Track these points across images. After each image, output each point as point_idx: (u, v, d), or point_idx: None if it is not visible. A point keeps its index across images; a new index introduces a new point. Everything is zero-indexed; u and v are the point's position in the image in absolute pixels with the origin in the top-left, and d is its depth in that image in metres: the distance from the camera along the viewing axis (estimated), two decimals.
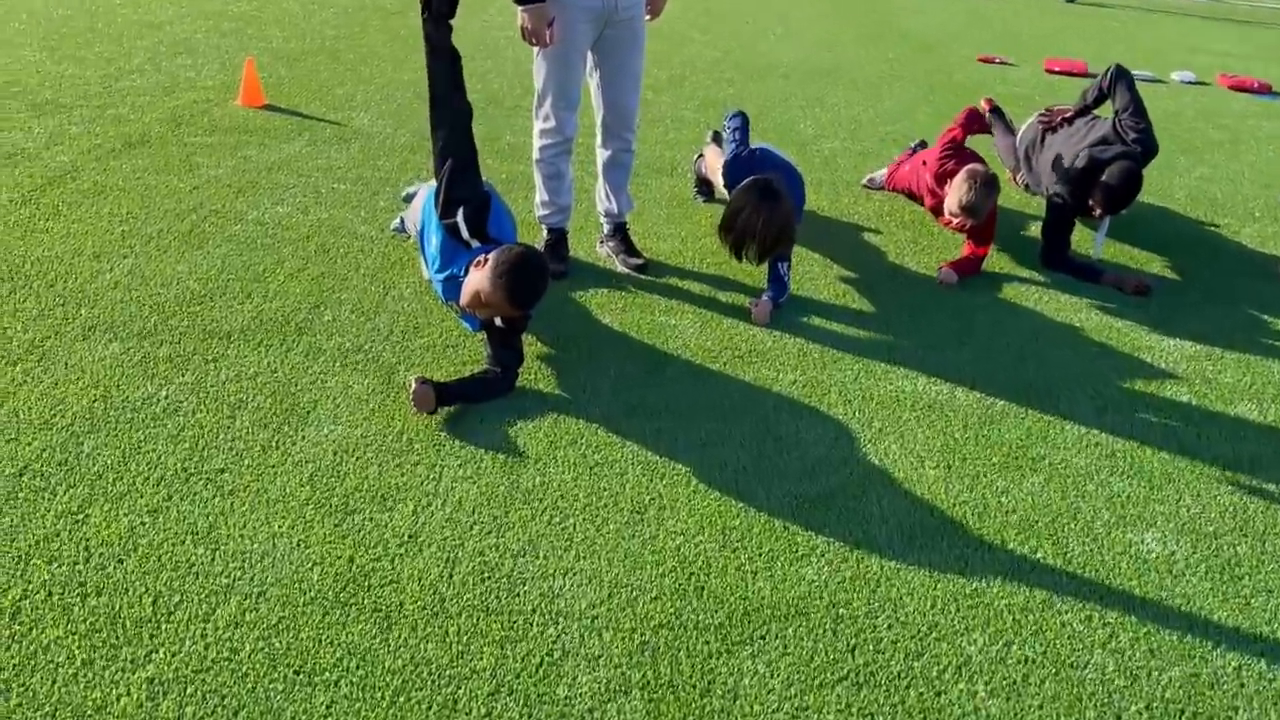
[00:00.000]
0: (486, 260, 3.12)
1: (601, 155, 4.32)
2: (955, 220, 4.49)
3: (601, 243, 4.51)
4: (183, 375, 3.30)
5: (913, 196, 5.04)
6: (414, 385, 3.14)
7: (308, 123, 5.87)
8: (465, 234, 3.23)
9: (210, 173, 5.02)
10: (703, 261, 4.49)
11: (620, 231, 4.46)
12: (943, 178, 4.63)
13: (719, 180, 4.76)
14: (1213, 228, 5.40)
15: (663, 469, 3.02)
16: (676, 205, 5.11)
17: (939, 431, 3.34)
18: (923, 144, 5.52)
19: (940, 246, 4.82)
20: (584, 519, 2.79)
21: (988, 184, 4.37)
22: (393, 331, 3.67)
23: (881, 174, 5.57)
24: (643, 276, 4.31)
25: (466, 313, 3.35)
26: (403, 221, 4.39)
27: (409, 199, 4.36)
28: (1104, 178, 4.50)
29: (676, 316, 3.98)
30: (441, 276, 3.35)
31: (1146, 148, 4.70)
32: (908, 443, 3.26)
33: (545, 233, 4.35)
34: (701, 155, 5.18)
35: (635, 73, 4.04)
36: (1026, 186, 5.28)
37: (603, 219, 4.48)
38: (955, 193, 4.39)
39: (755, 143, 4.57)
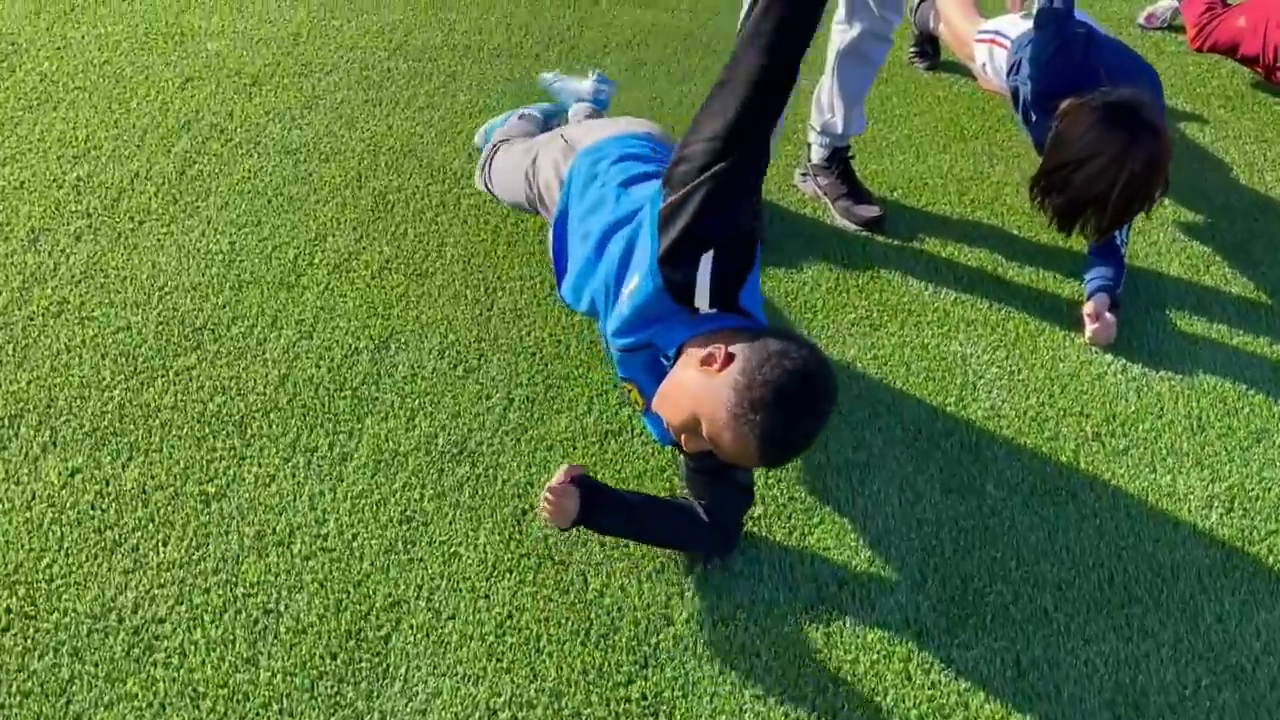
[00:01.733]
0: (727, 359, 1.55)
1: (840, 37, 2.63)
2: None
3: (806, 177, 2.87)
4: None
5: (1268, 69, 3.24)
6: (559, 478, 1.70)
7: None
8: (703, 301, 1.63)
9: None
10: (964, 197, 2.84)
11: (841, 162, 2.80)
12: None
13: (981, 61, 3.00)
14: None
15: None
16: (890, 84, 3.37)
17: None
18: None
19: None
20: None
21: None
22: (511, 404, 2.16)
23: (1168, 7, 3.73)
24: (879, 238, 2.69)
25: (651, 412, 1.79)
26: (491, 162, 2.76)
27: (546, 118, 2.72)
28: None
29: (962, 333, 2.40)
30: (622, 343, 1.77)
31: None
32: None
33: (820, 158, 2.85)
34: None
35: None
36: None
37: (816, 139, 2.82)
38: None
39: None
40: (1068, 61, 2.45)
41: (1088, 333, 2.39)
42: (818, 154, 2.82)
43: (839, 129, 2.74)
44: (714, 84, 1.58)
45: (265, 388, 2.17)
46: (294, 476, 1.99)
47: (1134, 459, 2.11)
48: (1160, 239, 2.73)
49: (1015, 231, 2.74)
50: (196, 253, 2.51)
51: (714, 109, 1.56)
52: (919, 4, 3.45)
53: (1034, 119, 2.54)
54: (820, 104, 2.76)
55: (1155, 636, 1.77)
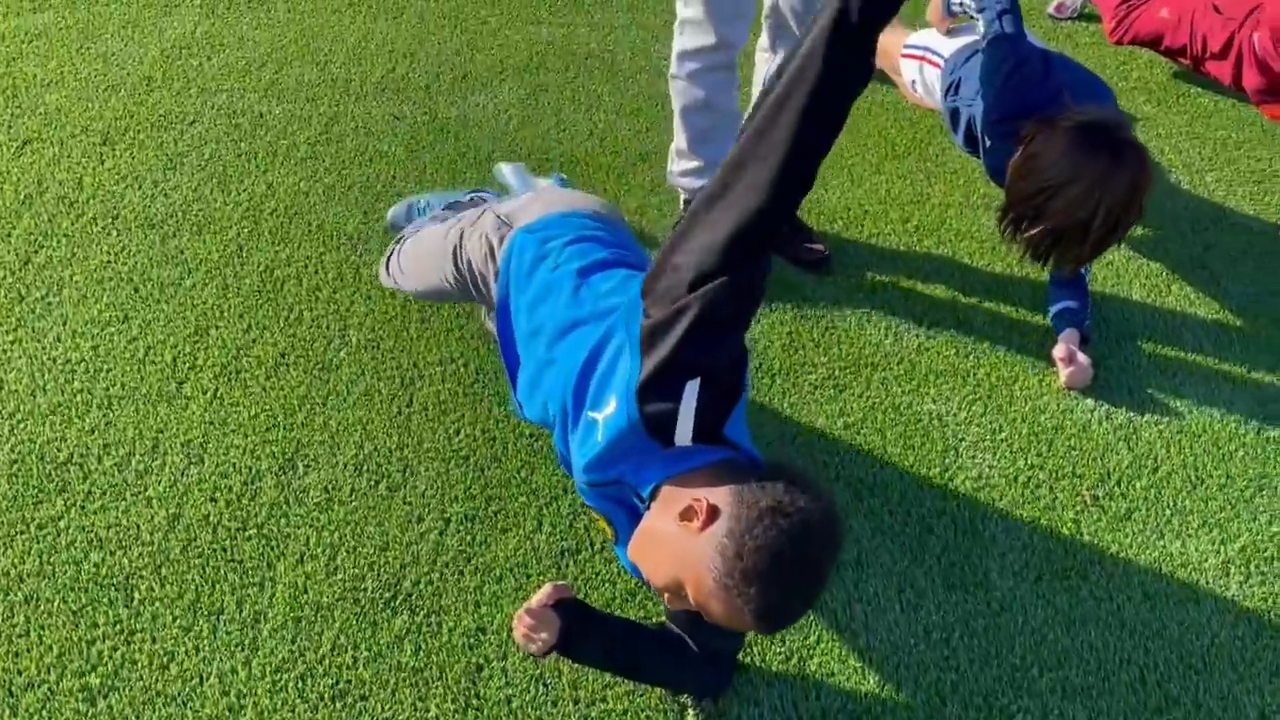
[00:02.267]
0: (710, 514, 1.29)
1: (768, 66, 2.40)
2: None
3: None
4: None
5: (1196, 60, 3.13)
6: (540, 598, 1.47)
7: None
8: (684, 436, 1.35)
9: None
10: (908, 224, 2.65)
11: None
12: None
13: (910, 78, 2.81)
14: None
15: None
16: None
17: None
18: None
19: (1253, 149, 3.00)
20: None
21: None
22: (447, 526, 1.87)
23: None
24: (827, 280, 2.47)
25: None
26: (412, 212, 2.45)
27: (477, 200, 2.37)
28: None
29: (933, 388, 2.20)
30: (589, 479, 1.49)
31: None
32: None
33: (683, 205, 2.48)
34: None
35: None
36: None
37: None
38: None
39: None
40: (1026, 81, 2.26)
41: (1062, 377, 2.21)
42: None
43: None
44: (710, 182, 1.31)
45: (152, 535, 1.83)
46: (198, 651, 1.66)
47: (1138, 524, 1.93)
48: (1115, 259, 2.58)
49: (968, 260, 2.56)
50: (52, 364, 2.13)
51: (709, 215, 1.29)
52: None
53: (988, 144, 2.35)
54: None
55: None
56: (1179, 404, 2.19)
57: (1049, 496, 1.98)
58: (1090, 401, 2.19)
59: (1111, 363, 2.29)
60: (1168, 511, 1.96)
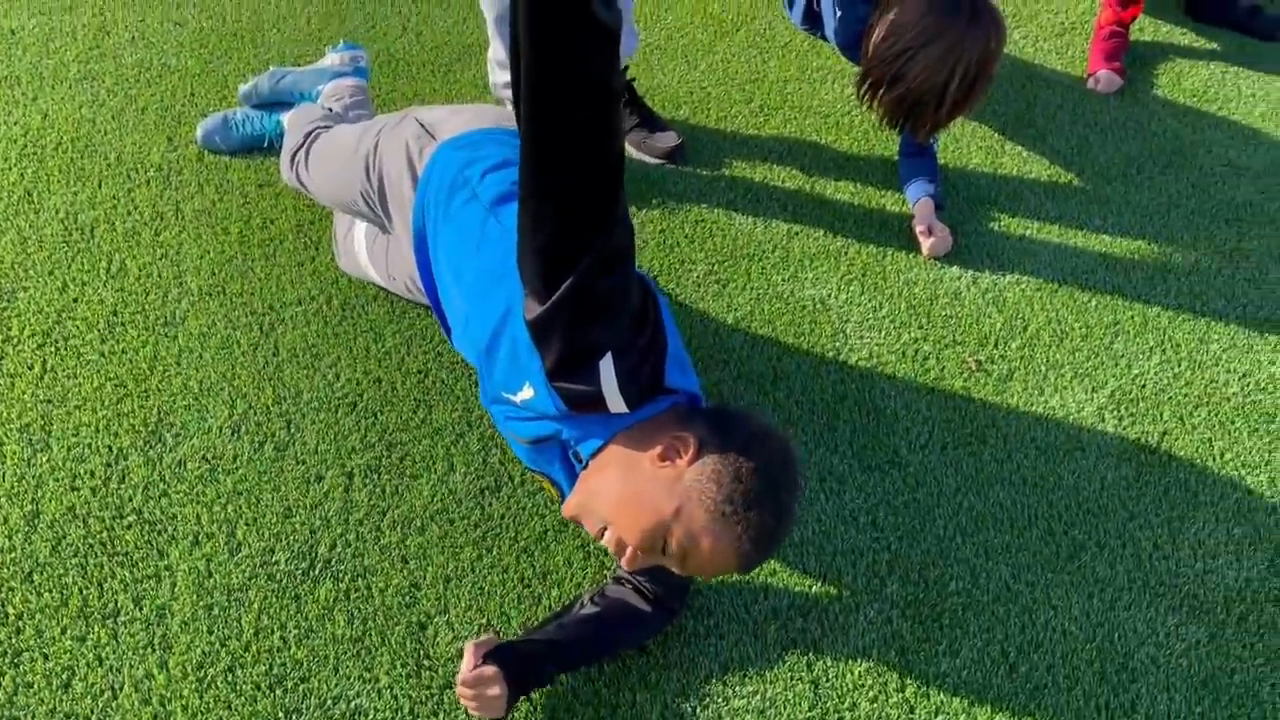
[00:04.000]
0: (698, 448, 1.24)
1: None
2: None
3: None
4: None
5: None
6: (467, 664, 1.39)
7: None
8: (619, 405, 1.27)
9: None
10: (751, 104, 2.61)
11: (633, 91, 2.46)
12: None
13: None
14: None
15: None
16: None
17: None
18: None
19: (1051, 2, 3.12)
20: None
21: None
22: (351, 481, 1.73)
23: None
24: (686, 170, 2.42)
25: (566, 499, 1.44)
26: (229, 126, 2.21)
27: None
28: None
29: (810, 273, 2.21)
30: (527, 435, 1.40)
31: None
32: None
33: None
34: None
35: None
36: None
37: None
38: None
39: None
40: None
41: (924, 248, 2.27)
42: None
43: None
44: (520, 167, 1.16)
45: (11, 539, 1.60)
46: (101, 661, 1.49)
47: (1019, 384, 2.04)
48: (954, 126, 2.64)
49: (816, 138, 2.56)
50: None
51: (539, 208, 1.17)
52: None
53: (839, 13, 2.32)
54: None
55: (1112, 584, 1.72)
56: (1033, 262, 2.30)
57: (937, 367, 2.05)
58: (956, 269, 2.26)
59: (968, 228, 2.37)
60: (1043, 368, 2.07)
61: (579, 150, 1.10)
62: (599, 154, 1.11)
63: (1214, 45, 3.06)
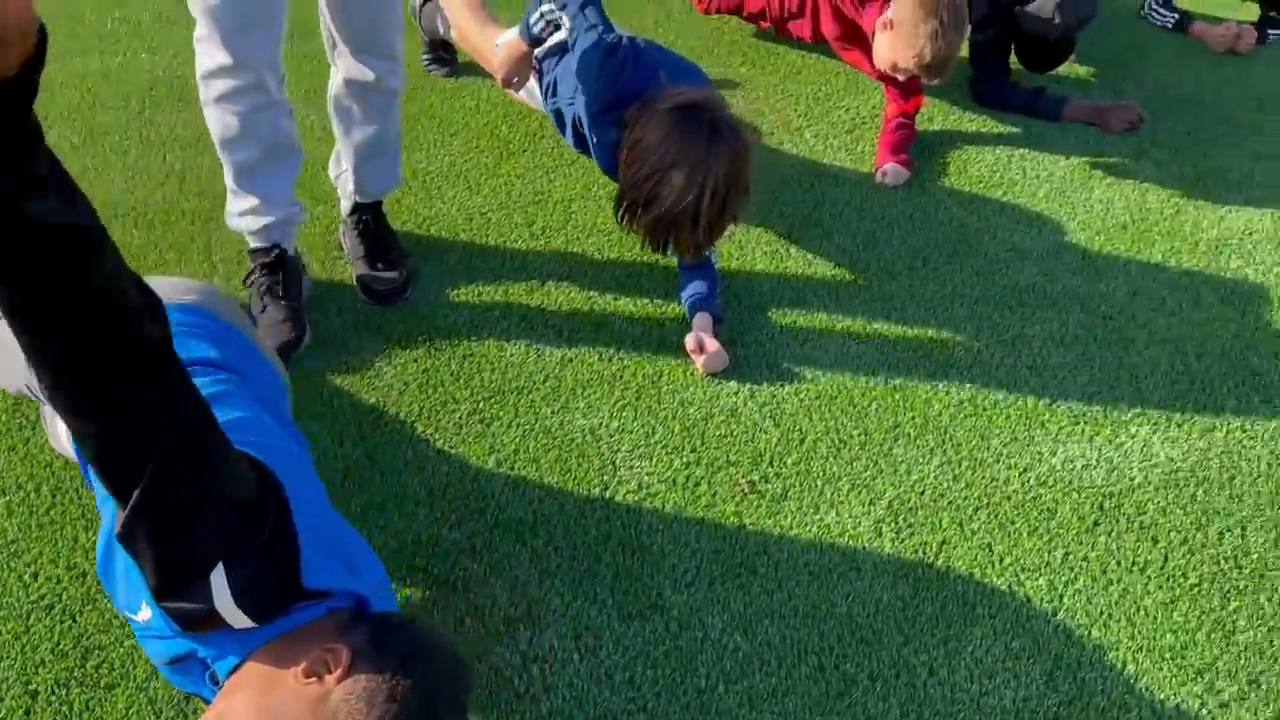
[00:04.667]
0: (339, 663, 1.10)
1: (334, 84, 2.17)
2: (902, 76, 2.82)
3: (344, 234, 2.42)
4: None
5: (777, 23, 3.23)
6: None
7: None
8: (244, 622, 1.12)
9: None
10: (532, 226, 2.54)
11: (366, 220, 2.36)
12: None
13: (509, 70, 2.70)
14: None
15: None
16: (414, 101, 2.96)
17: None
18: None
19: (842, 100, 3.15)
20: None
21: (957, 20, 2.71)
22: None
23: None
24: (455, 298, 2.32)
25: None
26: None
27: None
28: None
29: (582, 401, 2.11)
30: (159, 662, 1.24)
31: None
32: None
33: (254, 256, 2.20)
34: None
35: None
36: None
37: (341, 199, 2.39)
38: (909, 38, 2.69)
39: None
40: (620, 68, 2.20)
41: (698, 366, 2.20)
42: (344, 205, 2.39)
43: (349, 187, 2.31)
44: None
45: None
46: None
47: (794, 502, 1.95)
48: (737, 230, 2.61)
49: (598, 256, 2.49)
50: None
51: (72, 430, 1.03)
52: (421, 5, 3.06)
53: (595, 139, 2.28)
54: (337, 152, 2.32)
55: (885, 719, 1.62)
56: (813, 369, 2.24)
57: (709, 493, 1.96)
58: (733, 383, 2.19)
59: (748, 338, 2.31)
60: (819, 482, 1.99)
61: (97, 361, 0.98)
62: (125, 359, 0.99)
63: (1000, 129, 3.11)
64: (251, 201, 2.09)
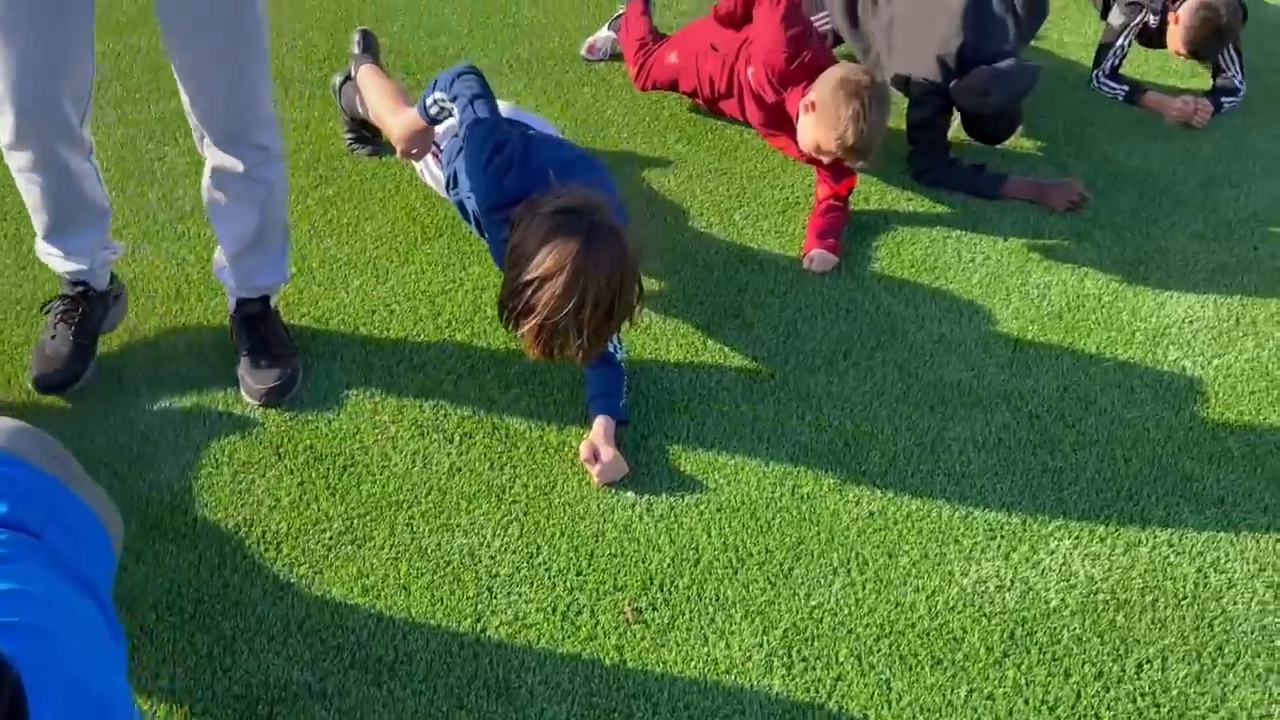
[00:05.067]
0: None
1: (205, 175, 2.10)
2: (826, 159, 2.73)
3: (231, 328, 2.32)
4: None
5: (709, 102, 3.15)
6: None
7: None
8: None
9: None
10: (439, 318, 2.43)
11: (250, 315, 2.25)
12: (789, 79, 2.79)
13: (419, 167, 2.62)
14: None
15: None
16: (330, 183, 2.87)
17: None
18: None
19: (777, 179, 3.06)
20: None
21: (880, 101, 2.62)
22: None
23: (606, 39, 3.60)
24: (341, 403, 2.21)
25: None
26: None
27: None
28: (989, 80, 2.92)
29: (465, 516, 1.99)
30: None
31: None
32: None
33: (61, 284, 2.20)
34: (349, 78, 2.94)
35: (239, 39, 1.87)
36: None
37: (227, 294, 2.29)
38: (831, 121, 2.60)
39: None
40: (506, 166, 2.11)
41: (593, 476, 2.07)
42: (230, 300, 2.29)
43: (230, 282, 2.23)
44: None
45: None
46: None
47: (682, 632, 1.82)
48: (651, 321, 2.50)
49: (502, 349, 2.38)
50: None
51: None
52: (340, 84, 2.98)
53: (487, 235, 2.18)
54: (216, 257, 2.25)
55: None
56: (718, 477, 2.11)
57: (590, 623, 1.83)
58: (631, 494, 2.07)
59: (653, 442, 2.19)
60: (710, 609, 1.86)
61: None
62: None
63: (938, 209, 3.01)
64: (58, 251, 2.11)
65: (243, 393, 2.18)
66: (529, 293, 1.91)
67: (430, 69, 3.48)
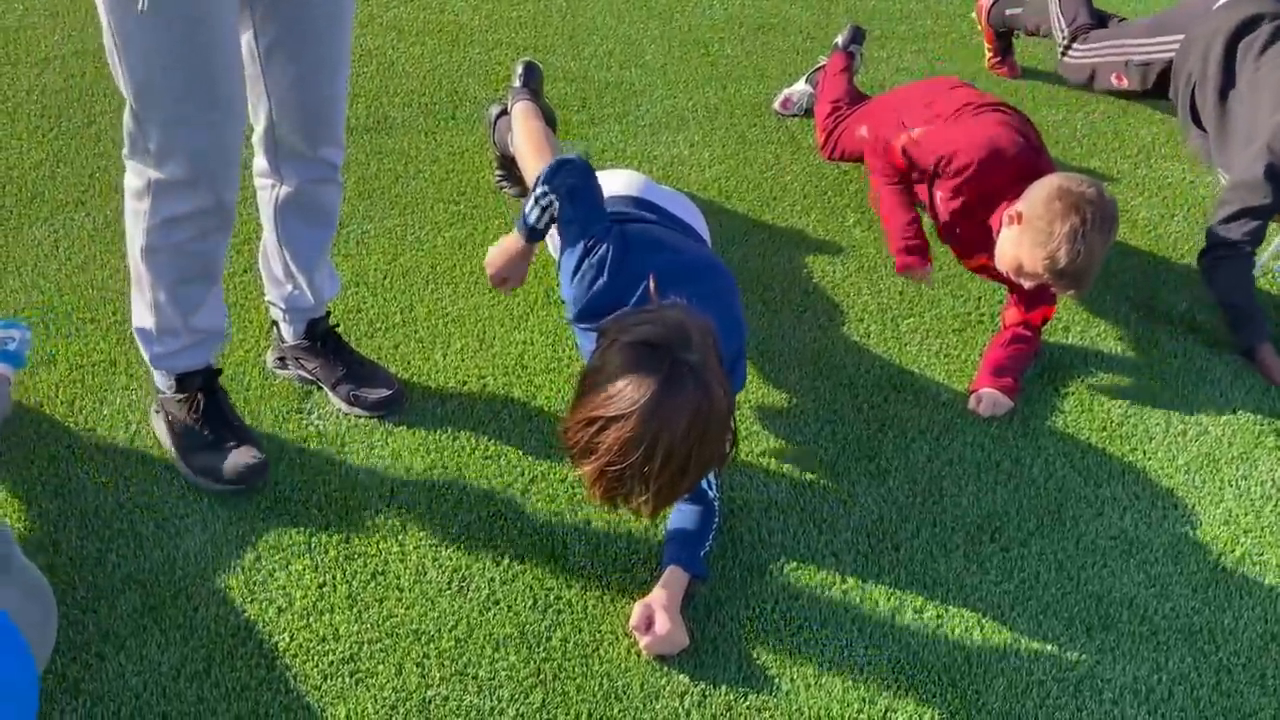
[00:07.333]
0: None
1: (274, 193, 1.95)
2: (1028, 283, 2.26)
3: (284, 363, 2.14)
4: None
5: (892, 178, 2.73)
6: None
7: None
8: None
9: None
10: (530, 379, 2.16)
11: (326, 335, 2.10)
12: (990, 197, 2.35)
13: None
14: None
15: None
16: (425, 213, 2.66)
17: None
18: (857, 37, 3.19)
19: (962, 286, 2.62)
20: None
21: (1106, 220, 2.14)
22: None
23: (803, 93, 3.24)
24: (394, 426, 1.98)
25: None
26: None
27: None
28: None
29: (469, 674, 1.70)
30: None
31: None
32: None
33: (169, 388, 1.95)
34: (505, 111, 2.71)
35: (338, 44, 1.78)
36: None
37: (282, 316, 2.09)
38: (1041, 237, 2.14)
39: (614, 186, 2.13)
40: (599, 272, 1.81)
41: (642, 646, 1.73)
42: (291, 333, 2.10)
43: (309, 300, 2.05)
44: None
45: None
46: None
47: None
48: (764, 440, 2.13)
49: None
50: None
51: None
52: (496, 117, 2.77)
53: (579, 344, 1.90)
54: (274, 275, 2.06)
55: None
56: (796, 678, 1.73)
57: None
58: (685, 679, 1.72)
59: (725, 613, 1.83)
60: None
61: None
62: None
63: (1153, 353, 2.49)
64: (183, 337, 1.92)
65: (339, 404, 2.10)
66: (593, 430, 1.60)
67: (608, 105, 3.23)
